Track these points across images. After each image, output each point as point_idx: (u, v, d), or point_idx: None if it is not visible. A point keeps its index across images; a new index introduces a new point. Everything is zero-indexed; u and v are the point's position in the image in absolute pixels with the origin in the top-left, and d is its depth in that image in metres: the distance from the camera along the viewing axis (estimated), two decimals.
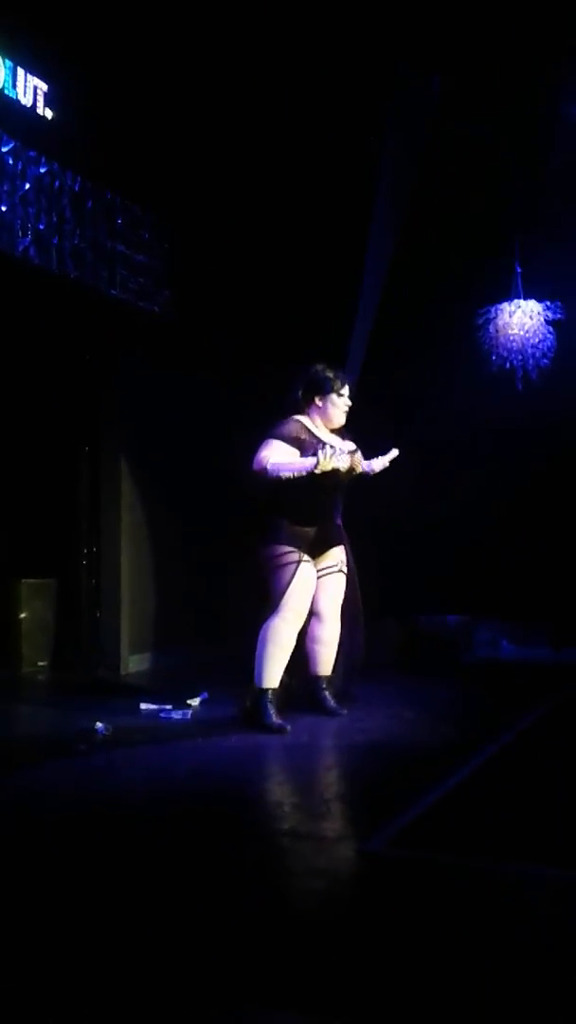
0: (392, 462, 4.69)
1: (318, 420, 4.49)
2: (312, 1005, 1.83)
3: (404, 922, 2.23)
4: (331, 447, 4.32)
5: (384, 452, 4.71)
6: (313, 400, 4.49)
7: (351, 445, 4.53)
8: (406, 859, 2.68)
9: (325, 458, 4.21)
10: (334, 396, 4.48)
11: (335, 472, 4.33)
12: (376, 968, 2.00)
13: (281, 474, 4.26)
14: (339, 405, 4.50)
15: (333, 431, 4.55)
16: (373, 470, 4.63)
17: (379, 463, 4.65)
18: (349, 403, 4.54)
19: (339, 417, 4.52)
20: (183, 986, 1.91)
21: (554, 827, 2.86)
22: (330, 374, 4.50)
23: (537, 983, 1.91)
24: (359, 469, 4.53)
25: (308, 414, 4.49)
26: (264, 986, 1.91)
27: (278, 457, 4.28)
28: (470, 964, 2.00)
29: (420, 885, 2.46)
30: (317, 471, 4.23)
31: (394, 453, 4.66)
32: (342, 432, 4.60)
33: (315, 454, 4.26)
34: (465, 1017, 1.78)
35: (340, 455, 4.32)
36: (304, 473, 4.24)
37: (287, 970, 1.98)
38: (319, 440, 4.41)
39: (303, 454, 4.33)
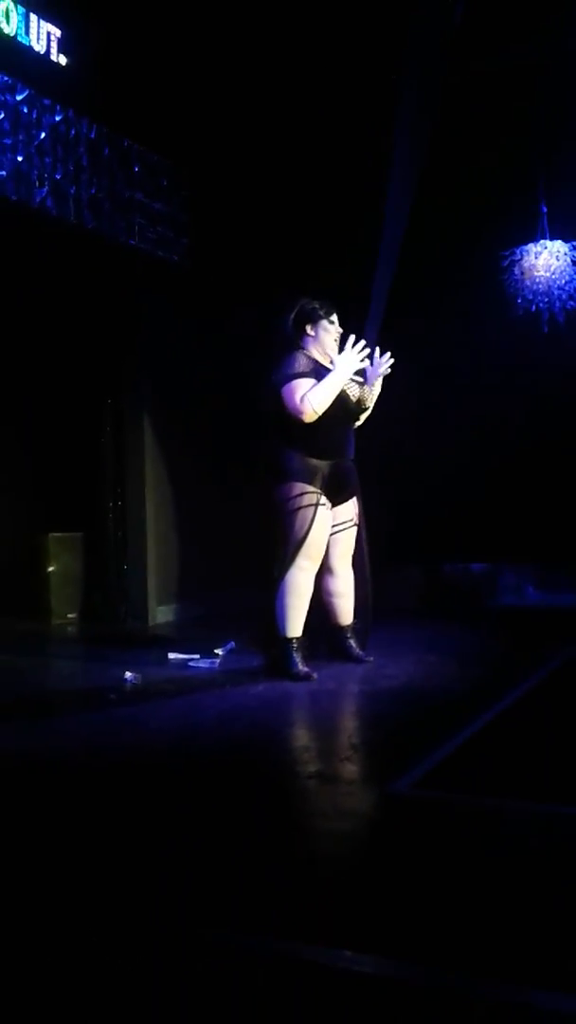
0: (406, 402, 4.64)
1: (314, 350, 4.47)
2: (334, 937, 1.87)
3: (427, 861, 2.27)
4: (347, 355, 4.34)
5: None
6: (305, 330, 4.48)
7: (359, 378, 4.54)
8: (430, 800, 2.72)
9: (345, 366, 4.29)
10: (324, 323, 4.48)
11: (346, 402, 4.34)
12: (398, 903, 2.04)
13: (325, 403, 4.28)
14: (331, 332, 4.50)
15: (331, 361, 4.52)
16: (371, 383, 4.58)
17: (377, 377, 4.59)
18: (339, 330, 4.52)
19: (332, 345, 4.51)
20: (210, 917, 1.96)
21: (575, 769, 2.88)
22: (317, 304, 4.50)
23: (555, 918, 1.94)
24: (369, 403, 4.54)
25: (304, 346, 4.48)
26: (288, 918, 1.96)
27: (312, 393, 4.29)
28: (489, 900, 2.03)
29: (443, 826, 2.50)
30: (347, 371, 4.31)
31: (388, 359, 4.60)
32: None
33: (334, 402, 4.29)
34: (481, 949, 1.82)
35: (352, 380, 4.39)
36: (338, 386, 4.32)
37: (310, 904, 2.03)
38: (326, 369, 4.40)
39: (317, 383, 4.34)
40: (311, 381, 4.33)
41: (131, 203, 5.85)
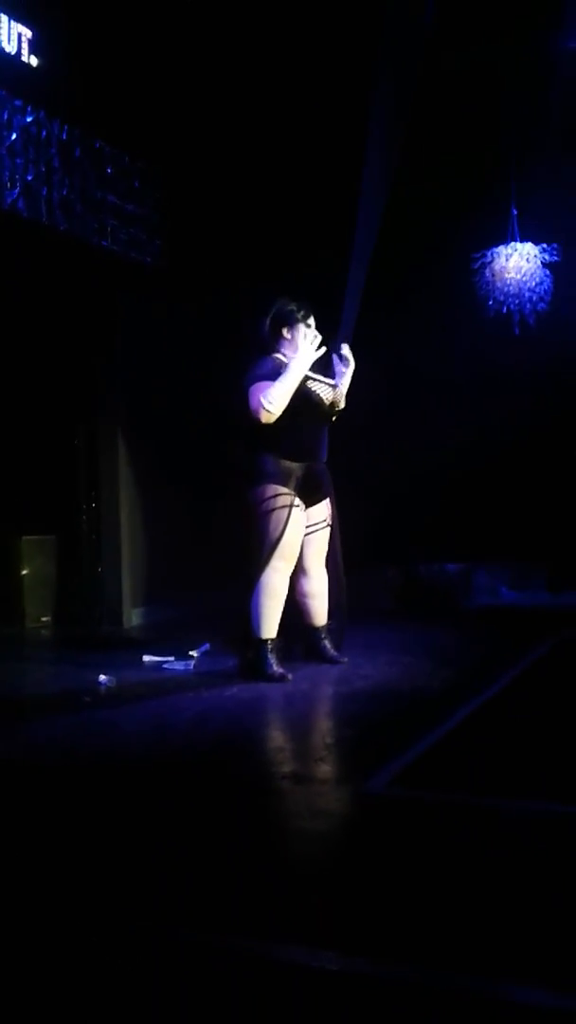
0: (380, 404, 4.64)
1: (290, 354, 4.46)
2: (312, 937, 1.88)
3: (403, 859, 2.28)
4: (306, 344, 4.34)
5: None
6: (281, 333, 4.47)
7: (331, 380, 4.53)
8: (405, 799, 2.73)
9: (300, 352, 4.28)
10: (301, 326, 4.46)
11: (318, 404, 4.35)
12: (375, 902, 2.05)
13: (282, 402, 4.26)
14: (309, 334, 4.46)
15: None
16: (342, 378, 4.56)
17: (344, 377, 4.56)
18: (317, 333, 4.49)
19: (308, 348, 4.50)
20: (188, 920, 1.96)
21: (551, 765, 2.91)
22: (294, 306, 4.48)
23: (533, 914, 1.96)
24: (341, 404, 4.55)
25: (279, 349, 4.47)
26: (265, 920, 1.96)
27: (267, 393, 4.27)
28: (465, 897, 2.04)
29: (419, 823, 2.51)
30: (302, 366, 4.27)
31: (346, 351, 4.57)
32: (319, 363, 4.56)
33: (307, 408, 4.31)
34: (461, 947, 1.83)
35: (323, 382, 4.41)
36: (295, 382, 4.28)
37: (287, 905, 2.03)
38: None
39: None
40: (268, 383, 4.33)
41: (103, 204, 5.83)
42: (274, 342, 4.48)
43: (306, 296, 4.65)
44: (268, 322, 4.48)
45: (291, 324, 4.46)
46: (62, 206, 5.49)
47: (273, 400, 4.26)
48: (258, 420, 4.29)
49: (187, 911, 2.01)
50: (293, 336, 4.46)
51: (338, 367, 4.55)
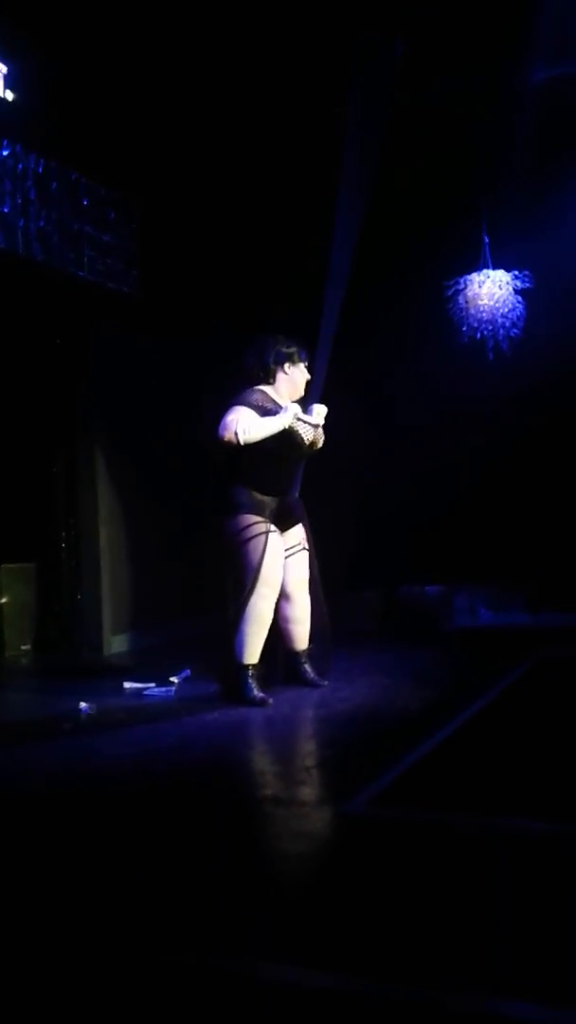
0: (356, 430, 4.69)
1: (282, 389, 4.54)
2: (295, 956, 1.89)
3: (383, 878, 2.30)
4: (298, 408, 4.41)
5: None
6: (272, 369, 4.55)
7: (310, 417, 4.58)
8: (385, 819, 2.75)
9: (291, 413, 4.34)
10: (301, 366, 4.59)
11: (299, 444, 4.42)
12: (356, 921, 2.06)
13: (253, 438, 4.30)
14: (304, 374, 4.62)
15: (294, 401, 4.59)
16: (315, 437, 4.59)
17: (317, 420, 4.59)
18: (307, 376, 4.64)
19: (298, 387, 4.62)
20: (171, 942, 1.97)
21: (530, 784, 2.94)
22: (291, 344, 4.59)
23: (518, 931, 1.98)
24: (319, 445, 4.60)
25: (270, 383, 4.53)
26: (248, 940, 1.98)
27: (245, 421, 4.32)
28: (445, 915, 2.06)
29: (399, 843, 2.53)
30: (287, 425, 4.34)
31: (319, 411, 4.59)
32: (302, 403, 4.65)
33: (288, 445, 4.39)
34: (441, 964, 1.85)
35: (306, 423, 4.43)
36: (275, 430, 4.33)
37: (270, 925, 2.04)
38: (284, 408, 4.46)
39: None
40: (250, 412, 4.37)
41: (80, 235, 5.88)
42: (270, 376, 4.55)
43: (282, 326, 4.72)
44: (260, 357, 4.55)
45: (283, 361, 4.56)
46: (39, 238, 5.53)
47: (250, 434, 4.31)
48: (221, 439, 4.33)
49: (170, 933, 2.02)
50: (292, 374, 4.56)
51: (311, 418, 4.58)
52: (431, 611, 7.15)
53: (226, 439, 4.32)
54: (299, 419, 4.46)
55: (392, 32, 6.15)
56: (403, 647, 5.96)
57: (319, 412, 4.58)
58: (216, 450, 4.43)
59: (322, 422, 4.58)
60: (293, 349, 4.57)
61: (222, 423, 4.35)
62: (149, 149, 6.26)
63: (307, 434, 4.49)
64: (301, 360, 4.60)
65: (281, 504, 4.51)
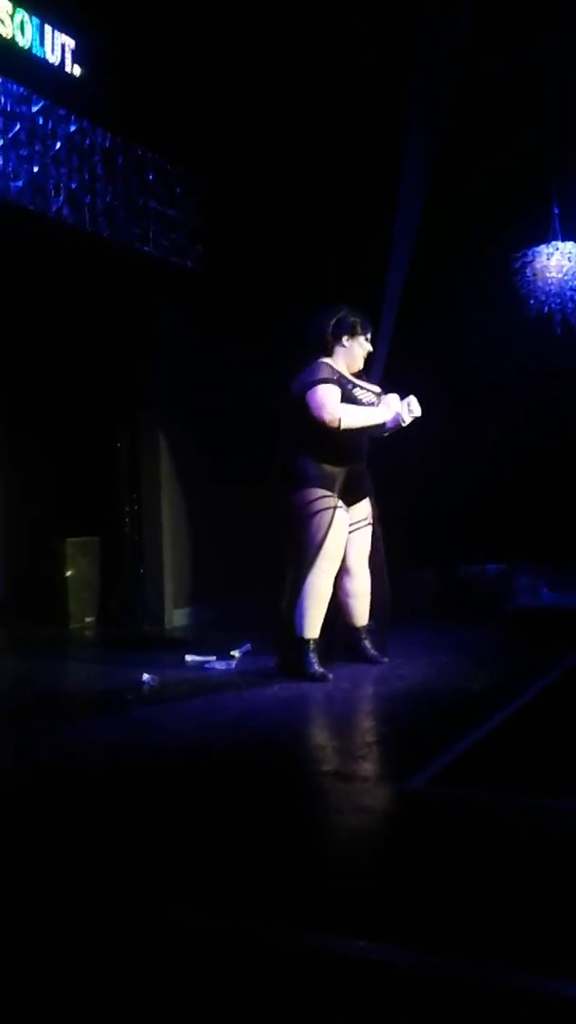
0: (421, 406, 4.65)
1: (341, 362, 4.51)
2: (353, 929, 1.90)
3: (443, 856, 2.30)
4: (407, 404, 4.45)
5: (423, 402, 4.70)
6: (341, 341, 4.51)
7: (377, 388, 4.58)
8: (444, 797, 2.75)
9: (394, 406, 4.42)
10: (361, 339, 4.55)
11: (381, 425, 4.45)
12: (414, 897, 2.07)
13: (352, 426, 4.36)
14: (365, 347, 4.58)
15: (353, 374, 4.57)
16: (403, 420, 4.59)
17: (411, 411, 4.60)
18: (370, 348, 4.62)
19: (360, 359, 4.58)
20: (232, 913, 2.00)
21: None
22: (356, 317, 4.55)
23: (572, 910, 1.97)
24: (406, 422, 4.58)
25: (331, 355, 4.51)
26: (306, 912, 2.00)
27: (349, 409, 4.36)
28: (503, 893, 2.06)
29: (459, 821, 2.53)
30: (387, 416, 4.43)
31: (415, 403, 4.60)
32: (362, 376, 4.63)
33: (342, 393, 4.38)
34: (500, 941, 1.85)
35: (410, 410, 4.49)
36: (375, 422, 4.41)
37: (328, 898, 2.06)
38: (348, 380, 4.45)
39: (342, 396, 4.39)
40: (338, 390, 4.37)
41: (145, 210, 5.91)
42: (331, 347, 4.53)
43: (346, 299, 4.68)
44: (329, 328, 4.52)
45: (353, 334, 4.53)
46: (105, 213, 5.57)
47: (346, 421, 4.34)
48: (322, 425, 4.33)
49: (231, 905, 2.05)
50: (351, 346, 4.53)
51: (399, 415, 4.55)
52: (491, 590, 7.08)
53: (327, 422, 4.33)
54: (361, 386, 4.47)
55: (459, 2, 6.04)
56: (462, 626, 5.92)
57: (414, 404, 4.56)
58: (289, 421, 4.43)
59: (417, 413, 4.57)
60: (356, 320, 4.53)
61: (321, 407, 4.32)
62: (214, 124, 6.25)
63: (405, 419, 4.50)
64: (363, 332, 4.55)
65: (350, 476, 4.49)
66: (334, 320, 4.51)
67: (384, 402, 4.46)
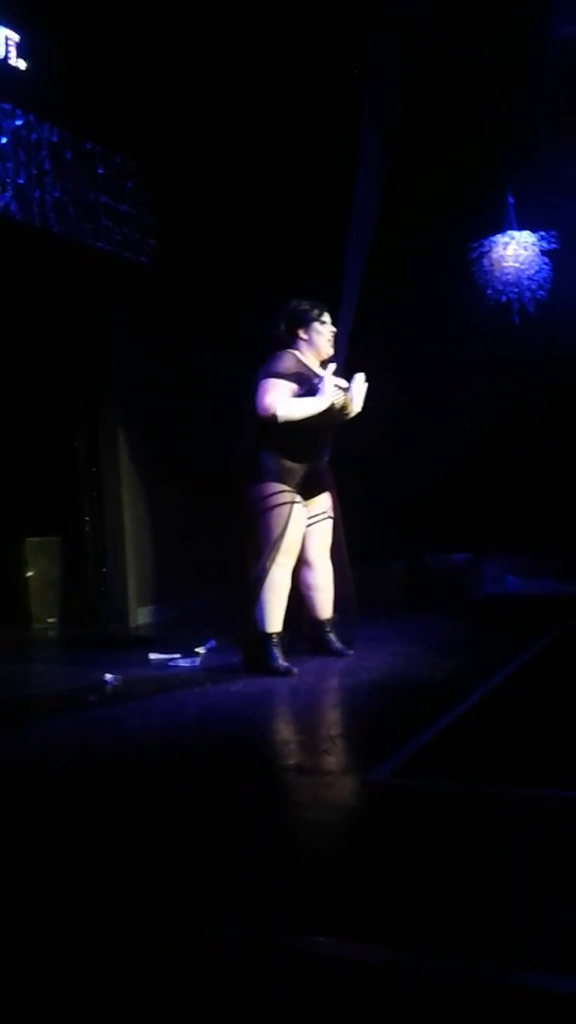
0: (382, 398, 4.61)
1: (308, 353, 4.48)
2: (319, 926, 1.87)
3: (408, 847, 2.27)
4: (331, 382, 4.33)
5: (382, 396, 4.67)
6: (297, 334, 4.47)
7: (343, 382, 4.52)
8: (409, 788, 2.73)
9: (330, 393, 4.29)
10: (317, 325, 4.48)
11: (329, 408, 4.35)
12: (379, 890, 2.05)
13: (293, 418, 4.28)
14: (324, 333, 4.50)
15: (322, 363, 4.52)
16: (352, 409, 4.55)
17: (356, 398, 4.54)
18: (333, 329, 4.54)
19: (326, 346, 4.52)
20: (194, 909, 1.96)
21: (556, 753, 2.90)
22: (308, 305, 4.50)
23: (540, 901, 1.95)
24: (354, 408, 4.52)
25: (296, 347, 4.47)
26: (272, 910, 1.96)
27: (286, 401, 4.29)
28: (470, 885, 2.04)
29: (423, 812, 2.51)
30: (327, 403, 4.29)
31: (360, 379, 4.54)
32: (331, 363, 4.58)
33: (308, 387, 4.32)
34: (467, 934, 1.82)
35: (338, 388, 4.37)
36: (316, 412, 4.29)
37: (293, 893, 2.03)
38: (315, 373, 4.41)
39: (302, 388, 4.35)
40: (290, 386, 4.32)
41: (96, 206, 5.84)
42: (291, 342, 4.48)
43: (305, 292, 4.64)
44: (283, 323, 4.48)
45: (307, 323, 4.47)
46: (55, 208, 5.49)
47: (290, 415, 4.28)
48: (263, 415, 4.29)
49: (195, 903, 2.01)
50: (310, 336, 4.48)
51: (351, 395, 4.52)
52: (459, 579, 7.09)
53: (263, 416, 4.29)
54: (337, 387, 4.41)
55: None
56: (429, 616, 5.92)
57: (359, 380, 4.51)
58: (248, 416, 4.39)
59: (361, 388, 4.51)
60: (315, 310, 4.49)
61: (259, 400, 4.30)
62: (164, 117, 6.19)
63: (337, 398, 4.41)
64: (324, 320, 4.50)
65: (310, 471, 4.46)
66: (286, 316, 4.47)
67: (320, 389, 4.33)
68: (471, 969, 1.70)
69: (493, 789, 2.63)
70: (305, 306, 4.49)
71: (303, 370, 4.40)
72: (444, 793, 2.66)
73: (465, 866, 2.14)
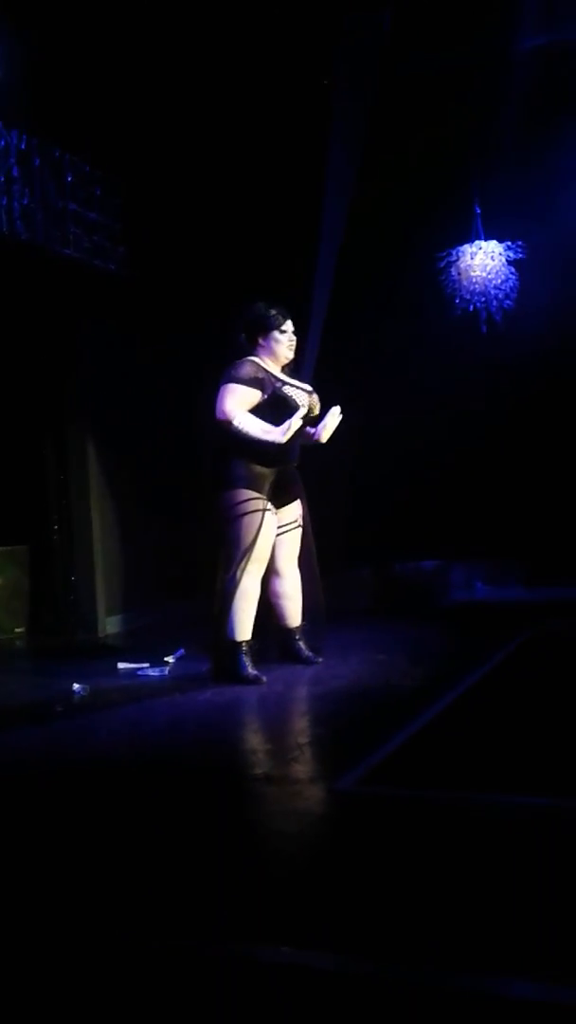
0: (347, 417, 4.63)
1: (267, 359, 4.46)
2: (289, 936, 1.87)
3: (377, 855, 2.28)
4: (296, 416, 4.30)
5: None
6: (256, 339, 4.46)
7: (307, 387, 4.54)
8: (377, 796, 2.73)
9: (291, 427, 4.26)
10: (276, 333, 4.45)
11: (295, 411, 4.35)
12: (350, 899, 2.05)
13: (246, 435, 4.26)
14: (283, 341, 4.47)
15: (283, 368, 4.52)
16: (321, 437, 4.57)
17: (327, 428, 4.56)
18: (293, 338, 4.52)
19: (285, 352, 4.49)
20: (165, 924, 1.95)
21: (523, 758, 2.92)
22: (271, 311, 4.47)
23: (511, 908, 1.96)
24: (316, 411, 4.53)
25: (256, 354, 4.46)
26: (242, 921, 1.96)
27: (246, 415, 4.28)
28: (437, 892, 2.05)
29: (392, 820, 2.51)
30: (285, 439, 4.26)
31: (336, 413, 4.56)
32: (291, 368, 4.58)
33: (271, 390, 4.33)
34: (436, 942, 1.83)
35: (300, 410, 4.36)
36: (272, 439, 4.26)
37: (262, 905, 2.03)
38: (276, 379, 4.41)
39: (263, 395, 4.34)
40: (250, 391, 4.32)
41: (65, 213, 5.82)
42: (251, 348, 4.46)
43: (275, 300, 4.65)
44: (244, 329, 4.46)
45: (267, 329, 4.44)
46: (23, 216, 5.47)
47: (245, 430, 4.26)
48: (220, 420, 4.29)
49: (163, 916, 2.00)
50: (268, 343, 4.45)
51: (320, 427, 4.53)
52: (427, 586, 7.14)
53: (224, 423, 4.29)
54: (288, 383, 4.41)
55: (380, 2, 6.07)
56: (399, 623, 5.94)
57: (334, 413, 4.53)
58: (215, 428, 4.39)
59: (335, 420, 4.53)
60: (274, 313, 4.46)
61: (219, 405, 4.30)
62: (134, 124, 6.18)
63: (301, 400, 4.39)
64: (285, 325, 4.47)
65: (281, 477, 4.44)
66: (248, 319, 4.46)
67: (287, 425, 4.26)
68: (438, 977, 1.71)
69: (461, 795, 2.64)
70: (265, 311, 4.46)
71: (262, 375, 4.38)
72: (411, 801, 2.67)
73: (433, 873, 2.15)
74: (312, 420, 4.52)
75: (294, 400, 4.38)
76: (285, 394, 4.39)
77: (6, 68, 5.35)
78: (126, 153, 6.29)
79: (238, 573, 4.29)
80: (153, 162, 6.41)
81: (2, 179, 5.31)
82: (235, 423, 4.27)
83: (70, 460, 6.31)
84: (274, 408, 4.34)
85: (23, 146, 5.52)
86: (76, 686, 4.34)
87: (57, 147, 5.78)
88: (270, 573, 4.46)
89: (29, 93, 5.55)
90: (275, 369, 4.46)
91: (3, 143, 5.37)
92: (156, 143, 6.31)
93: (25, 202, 5.48)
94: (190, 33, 5.79)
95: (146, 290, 6.48)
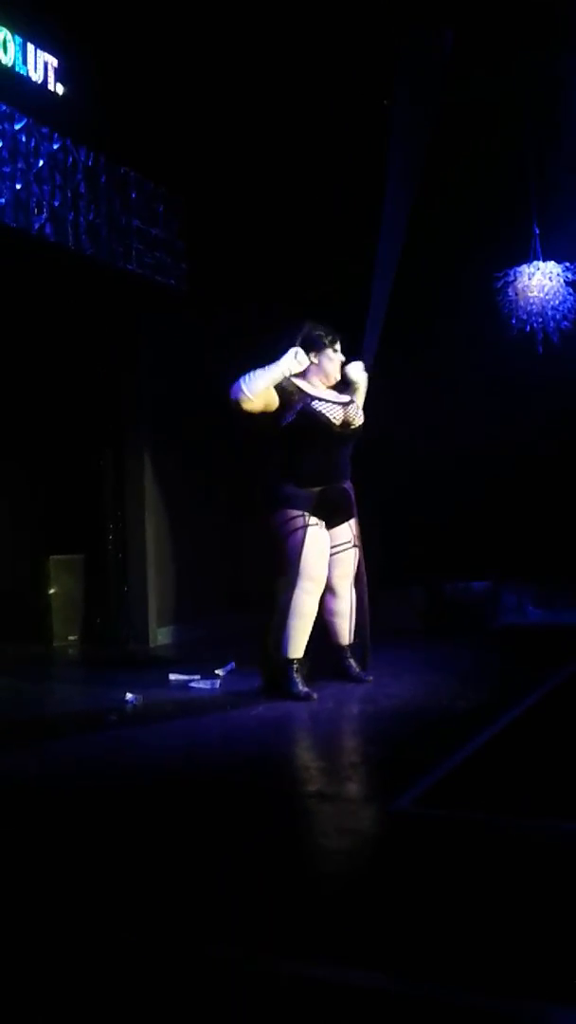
0: (405, 423, 4.64)
1: (315, 379, 4.50)
2: (339, 954, 1.87)
3: (429, 877, 2.27)
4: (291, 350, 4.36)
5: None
6: (308, 358, 4.48)
7: (346, 397, 4.56)
8: (431, 817, 2.72)
9: (291, 355, 4.32)
10: (329, 352, 4.53)
11: (327, 423, 4.38)
12: (401, 920, 2.04)
13: (258, 386, 4.27)
14: (334, 360, 4.55)
15: (330, 388, 4.56)
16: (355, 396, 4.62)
17: (358, 395, 4.63)
18: (342, 358, 4.58)
19: (334, 372, 4.56)
20: (214, 936, 1.97)
21: None
22: (321, 331, 4.53)
23: (561, 933, 1.94)
24: (356, 423, 4.54)
25: (305, 376, 4.49)
26: (291, 937, 1.96)
27: (248, 374, 4.30)
28: (491, 916, 2.03)
29: (445, 842, 2.50)
30: (286, 365, 4.31)
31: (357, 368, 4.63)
32: (340, 388, 4.62)
33: (301, 406, 4.36)
34: (487, 966, 1.82)
35: (328, 401, 4.43)
36: (277, 373, 4.30)
37: (314, 922, 2.03)
38: (310, 396, 4.43)
39: (291, 408, 4.37)
40: (273, 395, 4.35)
41: (128, 229, 5.91)
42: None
43: (330, 319, 4.68)
44: (297, 346, 4.49)
45: (319, 349, 4.50)
46: (88, 231, 5.57)
47: (251, 381, 4.27)
48: (235, 405, 4.31)
49: (214, 929, 2.01)
50: (320, 361, 4.51)
51: (349, 386, 4.58)
52: (477, 608, 7.07)
53: (242, 404, 4.30)
54: (321, 398, 4.43)
55: (442, 22, 6.09)
56: (448, 644, 5.90)
57: (355, 368, 4.57)
58: (241, 424, 4.43)
59: (361, 386, 4.54)
60: (320, 334, 4.52)
61: (231, 394, 4.33)
62: (197, 143, 6.27)
63: (335, 414, 4.43)
64: (329, 346, 4.53)
65: (328, 496, 4.46)
66: (298, 340, 4.47)
67: (289, 354, 4.34)
68: (485, 998, 1.70)
69: (516, 820, 2.62)
70: (318, 331, 4.52)
71: (294, 390, 4.39)
72: (465, 823, 2.65)
73: (487, 897, 2.13)
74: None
75: (325, 416, 4.40)
76: (315, 409, 4.40)
77: (76, 86, 5.47)
78: (188, 171, 6.38)
79: (296, 591, 4.31)
80: (215, 180, 6.49)
81: (69, 195, 5.42)
82: (245, 389, 4.28)
83: (128, 471, 6.39)
84: (304, 424, 4.37)
85: (90, 163, 5.63)
86: (129, 696, 4.39)
87: (123, 164, 5.88)
88: (325, 591, 4.47)
89: (97, 111, 5.67)
90: (320, 388, 4.49)
91: (71, 159, 5.48)
92: (218, 163, 6.40)
93: (91, 218, 5.59)
94: (254, 54, 5.87)
95: (206, 305, 6.54)
